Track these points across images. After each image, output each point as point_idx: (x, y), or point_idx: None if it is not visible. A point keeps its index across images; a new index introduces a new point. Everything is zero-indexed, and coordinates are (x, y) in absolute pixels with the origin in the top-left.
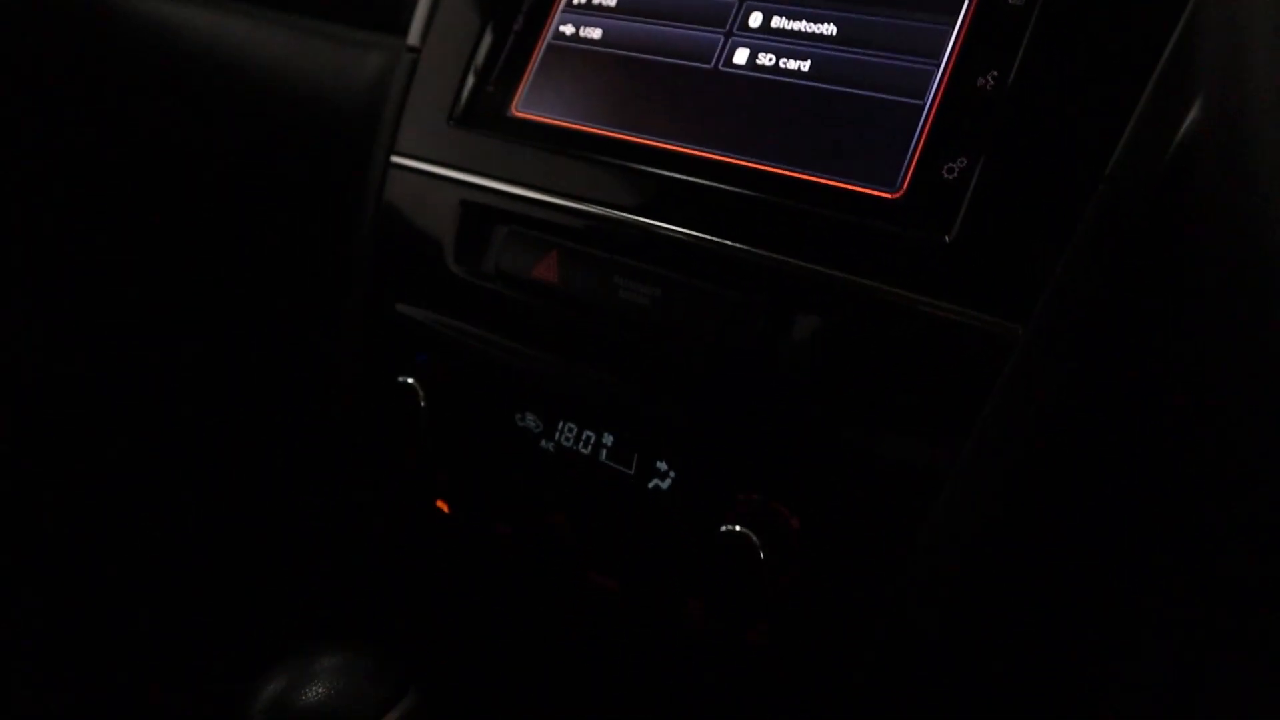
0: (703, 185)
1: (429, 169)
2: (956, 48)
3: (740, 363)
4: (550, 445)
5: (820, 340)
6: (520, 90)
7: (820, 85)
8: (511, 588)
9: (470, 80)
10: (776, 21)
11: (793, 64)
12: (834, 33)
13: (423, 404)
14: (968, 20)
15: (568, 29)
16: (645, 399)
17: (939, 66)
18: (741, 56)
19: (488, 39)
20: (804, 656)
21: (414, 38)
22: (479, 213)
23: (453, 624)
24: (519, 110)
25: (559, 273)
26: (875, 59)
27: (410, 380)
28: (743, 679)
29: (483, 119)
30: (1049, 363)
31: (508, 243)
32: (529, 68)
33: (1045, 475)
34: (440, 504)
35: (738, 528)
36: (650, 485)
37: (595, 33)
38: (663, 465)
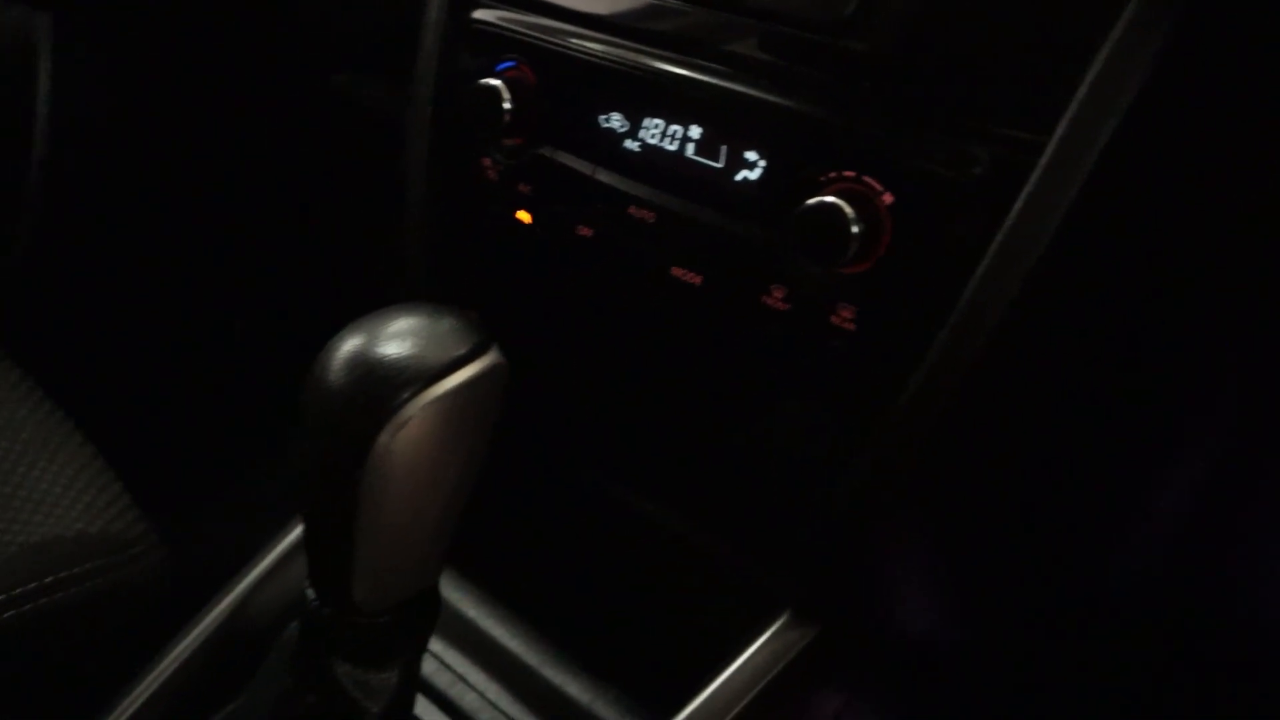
0: None
1: None
2: None
3: (833, 38)
4: (635, 144)
5: (916, 7)
6: None
7: None
8: (593, 288)
9: None
10: None
11: None
12: None
13: (506, 106)
14: None
15: None
16: (735, 84)
17: None
18: None
19: None
20: (888, 341)
21: None
22: None
23: (533, 309)
24: None
25: None
26: None
27: (495, 82)
28: (824, 368)
29: None
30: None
31: None
32: None
33: (1146, 156)
34: (520, 214)
35: (829, 198)
36: (738, 177)
37: None
38: (752, 155)
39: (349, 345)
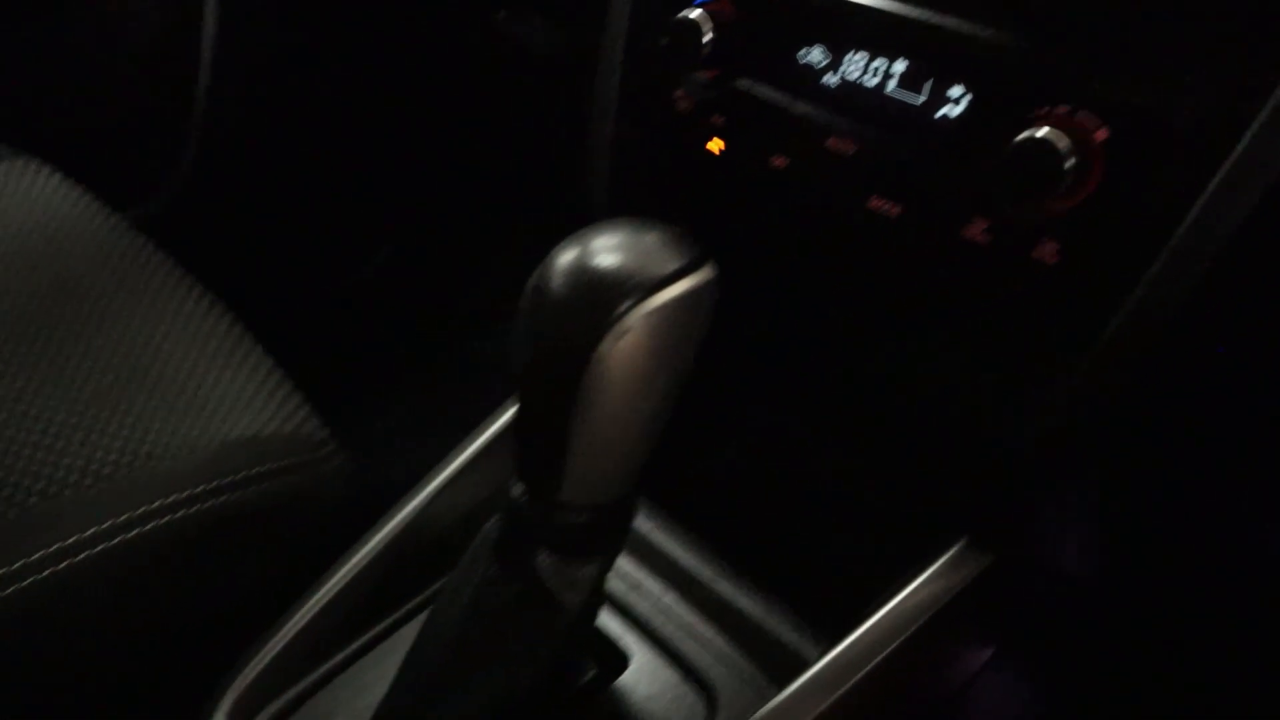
0: None
1: None
2: None
3: None
4: (835, 79)
5: None
6: None
7: None
8: (786, 218)
9: None
10: None
11: None
12: None
13: (706, 39)
14: None
15: None
16: (944, 18)
17: None
18: None
19: None
20: (1091, 279)
21: None
22: None
23: (721, 238)
24: None
25: None
26: None
27: (695, 14)
28: (1022, 303)
29: None
30: None
31: None
32: None
33: None
34: (711, 145)
35: (1044, 132)
36: (942, 112)
37: None
38: (958, 90)
39: (570, 256)
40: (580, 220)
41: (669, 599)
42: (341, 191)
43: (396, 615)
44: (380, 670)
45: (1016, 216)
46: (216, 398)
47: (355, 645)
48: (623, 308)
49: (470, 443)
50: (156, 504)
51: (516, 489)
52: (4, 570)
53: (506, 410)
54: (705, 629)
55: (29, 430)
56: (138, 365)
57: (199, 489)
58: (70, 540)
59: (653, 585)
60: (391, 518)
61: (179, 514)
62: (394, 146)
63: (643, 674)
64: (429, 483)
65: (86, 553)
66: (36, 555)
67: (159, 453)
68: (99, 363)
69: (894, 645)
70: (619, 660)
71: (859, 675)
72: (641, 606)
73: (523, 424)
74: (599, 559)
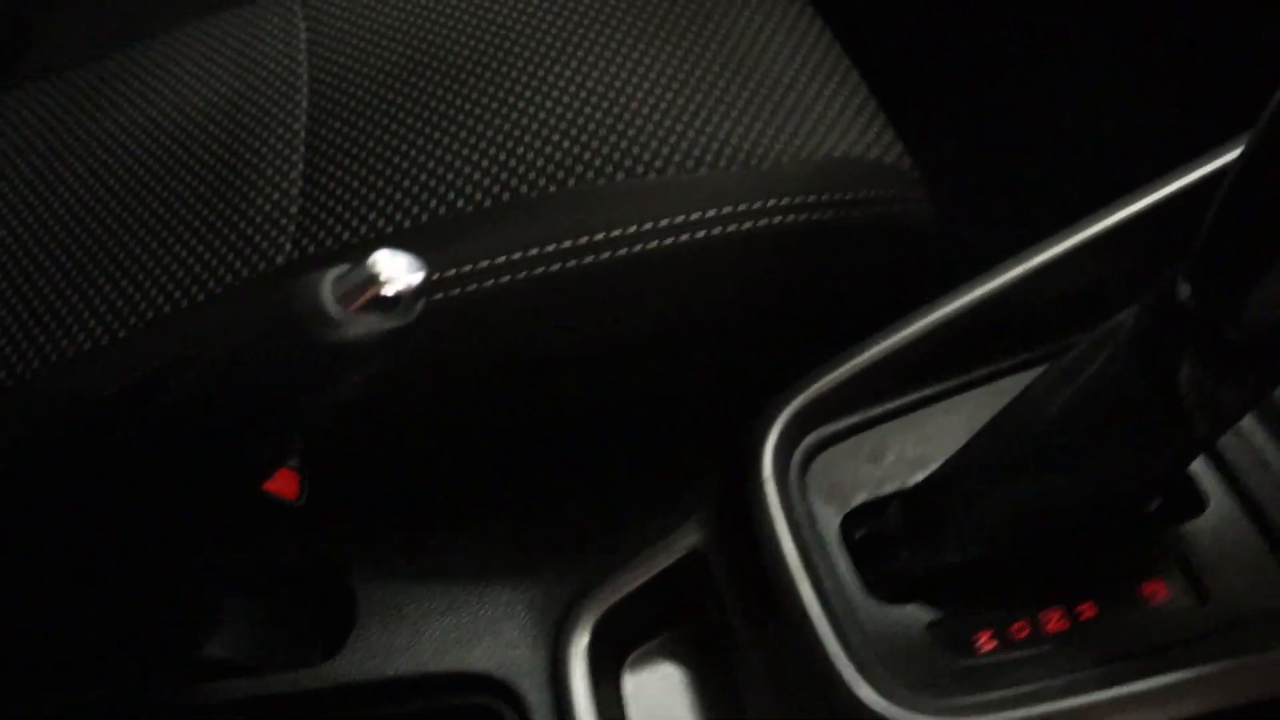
0: None
1: None
2: None
3: None
4: None
5: None
6: None
7: None
8: None
9: None
10: None
11: None
12: None
13: None
14: None
15: None
16: None
17: None
18: None
19: None
20: None
21: None
22: None
23: None
24: None
25: None
26: None
27: None
28: None
29: None
30: None
31: None
32: None
33: None
34: None
35: None
36: None
37: None
38: None
39: None
40: None
41: (1271, 453)
42: None
43: (971, 375)
44: (945, 424)
45: None
46: (818, 110)
47: (924, 393)
48: None
49: (1100, 219)
50: (759, 205)
51: (1182, 287)
52: (608, 234)
53: (1152, 191)
54: None
55: (640, 104)
56: (743, 62)
57: (804, 199)
58: (679, 219)
59: (1254, 429)
60: (996, 276)
61: (780, 219)
62: None
63: (1216, 523)
64: (1044, 250)
65: (696, 234)
66: (655, 224)
67: (760, 154)
68: (706, 51)
69: None
70: (1193, 500)
71: None
72: (1234, 449)
73: (1235, 202)
74: (1253, 388)
